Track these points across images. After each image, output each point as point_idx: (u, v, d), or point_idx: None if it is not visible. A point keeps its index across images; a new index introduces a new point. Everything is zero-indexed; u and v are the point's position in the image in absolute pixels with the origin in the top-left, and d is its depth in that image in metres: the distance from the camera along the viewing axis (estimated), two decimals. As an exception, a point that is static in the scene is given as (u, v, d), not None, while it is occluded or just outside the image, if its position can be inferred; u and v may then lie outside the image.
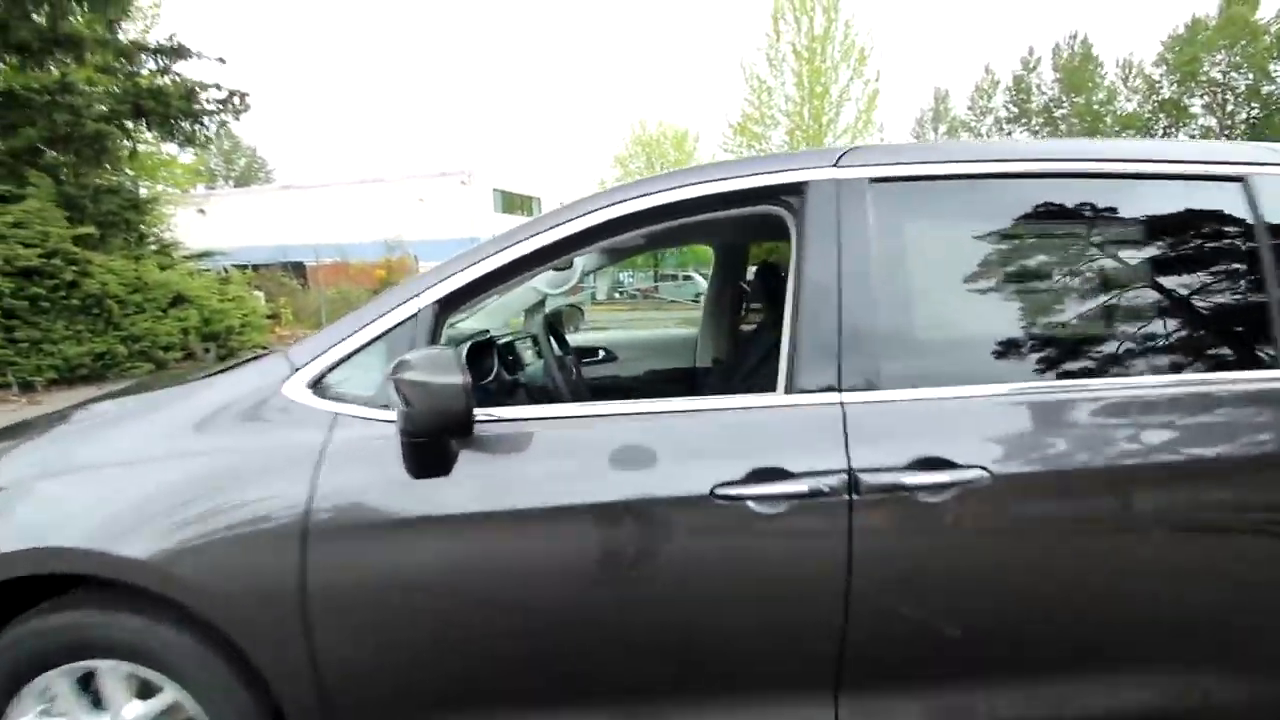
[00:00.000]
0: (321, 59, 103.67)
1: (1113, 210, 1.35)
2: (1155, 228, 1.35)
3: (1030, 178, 1.35)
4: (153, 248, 10.82)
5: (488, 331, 2.03)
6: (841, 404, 1.22)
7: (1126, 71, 38.39)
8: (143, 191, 11.91)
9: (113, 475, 1.24)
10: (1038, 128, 39.73)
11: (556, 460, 1.23)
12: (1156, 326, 1.34)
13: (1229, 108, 34.18)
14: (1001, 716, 1.25)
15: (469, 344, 1.88)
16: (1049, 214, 1.36)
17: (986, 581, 1.22)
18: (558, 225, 1.31)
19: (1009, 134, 38.94)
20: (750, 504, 1.16)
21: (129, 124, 9.81)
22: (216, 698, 1.20)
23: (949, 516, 1.17)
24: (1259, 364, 1.27)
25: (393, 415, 1.10)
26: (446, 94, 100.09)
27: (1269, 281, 1.26)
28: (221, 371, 1.50)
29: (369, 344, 1.26)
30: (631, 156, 27.31)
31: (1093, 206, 1.35)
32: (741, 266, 2.99)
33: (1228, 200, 1.31)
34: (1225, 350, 1.33)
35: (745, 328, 3.15)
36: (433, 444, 1.11)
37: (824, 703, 1.23)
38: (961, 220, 1.38)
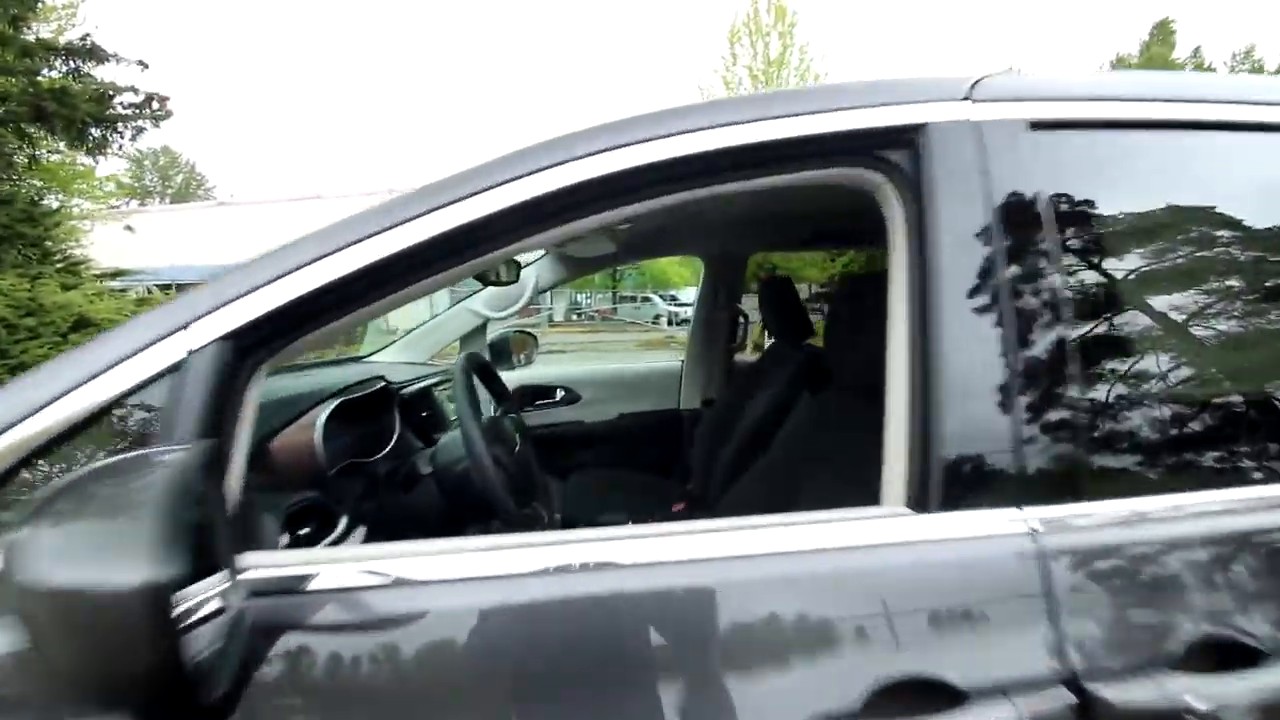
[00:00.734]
0: (267, 72, 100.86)
1: None
2: None
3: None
4: (58, 266, 9.74)
5: (382, 379, 1.37)
6: (1032, 532, 0.63)
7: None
8: (54, 204, 10.83)
9: None
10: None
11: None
12: None
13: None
14: None
15: (333, 403, 1.13)
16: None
17: None
18: (469, 196, 0.70)
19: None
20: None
21: (27, 128, 8.80)
22: None
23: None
24: None
25: None
26: (395, 110, 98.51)
27: None
28: None
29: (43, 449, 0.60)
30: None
31: None
32: (739, 281, 2.41)
33: None
34: None
35: (742, 358, 2.58)
36: None
37: None
38: (1207, 192, 0.82)
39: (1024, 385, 0.68)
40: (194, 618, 0.52)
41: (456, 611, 0.59)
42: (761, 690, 0.58)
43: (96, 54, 9.27)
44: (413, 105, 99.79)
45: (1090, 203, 0.76)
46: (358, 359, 2.04)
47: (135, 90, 9.38)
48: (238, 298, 0.64)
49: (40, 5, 9.32)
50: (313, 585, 0.58)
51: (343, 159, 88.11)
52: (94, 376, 0.60)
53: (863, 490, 0.73)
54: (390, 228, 0.68)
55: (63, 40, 9.65)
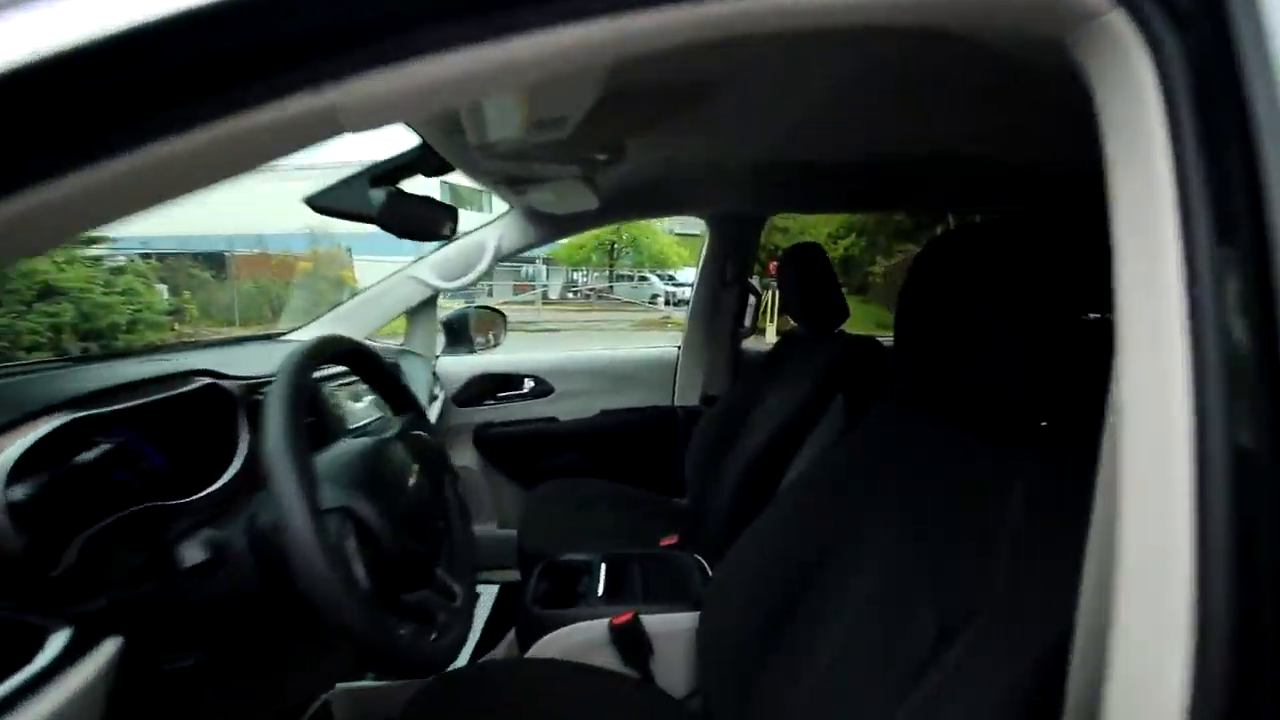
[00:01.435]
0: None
1: None
2: None
3: None
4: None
5: (208, 375, 0.88)
6: None
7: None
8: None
9: None
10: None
11: None
12: None
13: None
14: None
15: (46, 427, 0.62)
16: None
17: None
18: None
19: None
20: None
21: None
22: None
23: None
24: None
25: None
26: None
27: None
28: None
29: None
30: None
31: None
32: (751, 250, 1.97)
33: None
34: None
35: (752, 348, 2.14)
36: None
37: None
38: None
39: None
40: None
41: None
42: None
43: None
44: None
45: None
46: (266, 337, 1.61)
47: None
48: None
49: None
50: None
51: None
52: None
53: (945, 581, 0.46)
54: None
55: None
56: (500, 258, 1.73)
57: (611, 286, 19.10)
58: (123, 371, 0.76)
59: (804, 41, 0.64)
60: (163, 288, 11.60)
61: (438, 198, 1.09)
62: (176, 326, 10.97)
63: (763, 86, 0.89)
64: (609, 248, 18.52)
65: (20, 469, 0.58)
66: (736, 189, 1.62)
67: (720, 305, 2.00)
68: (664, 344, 2.18)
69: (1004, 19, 0.40)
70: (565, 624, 1.08)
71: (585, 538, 1.49)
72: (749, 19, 0.35)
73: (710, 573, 1.23)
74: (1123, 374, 0.36)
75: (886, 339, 1.32)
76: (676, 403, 2.06)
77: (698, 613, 1.06)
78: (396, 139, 1.06)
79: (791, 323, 1.74)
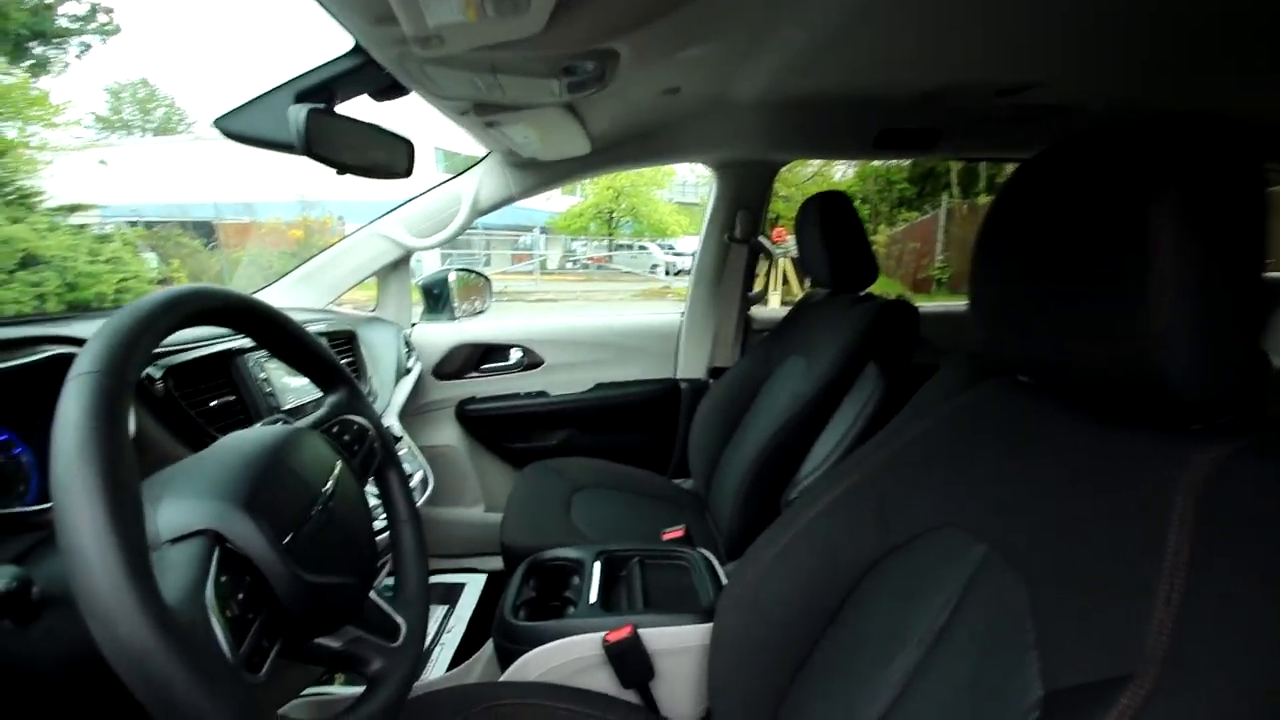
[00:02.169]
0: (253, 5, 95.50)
1: None
2: None
3: None
4: (9, 198, 9.02)
5: (48, 342, 0.69)
6: None
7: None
8: (11, 133, 10.00)
9: None
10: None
11: None
12: None
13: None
14: None
15: None
16: None
17: None
18: None
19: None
20: None
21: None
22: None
23: None
24: None
25: None
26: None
27: None
28: None
29: None
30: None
31: None
32: (763, 202, 1.75)
33: None
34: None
35: (761, 314, 1.93)
36: None
37: None
38: None
39: None
40: None
41: None
42: None
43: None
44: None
45: None
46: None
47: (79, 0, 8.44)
48: None
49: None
50: None
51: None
52: None
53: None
54: None
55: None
56: (479, 211, 1.51)
57: (610, 256, 18.72)
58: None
59: None
60: (151, 256, 11.31)
61: (433, 161, 0.88)
62: (166, 296, 10.73)
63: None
64: (608, 216, 18.10)
65: None
66: (748, 129, 1.40)
67: (728, 266, 1.79)
68: (665, 311, 1.98)
69: None
70: (551, 639, 0.90)
71: (577, 529, 1.32)
72: None
73: (721, 573, 1.06)
74: None
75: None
76: (679, 375, 1.87)
77: (708, 625, 0.89)
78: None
79: (794, 292, 1.54)
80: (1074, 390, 0.55)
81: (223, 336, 0.94)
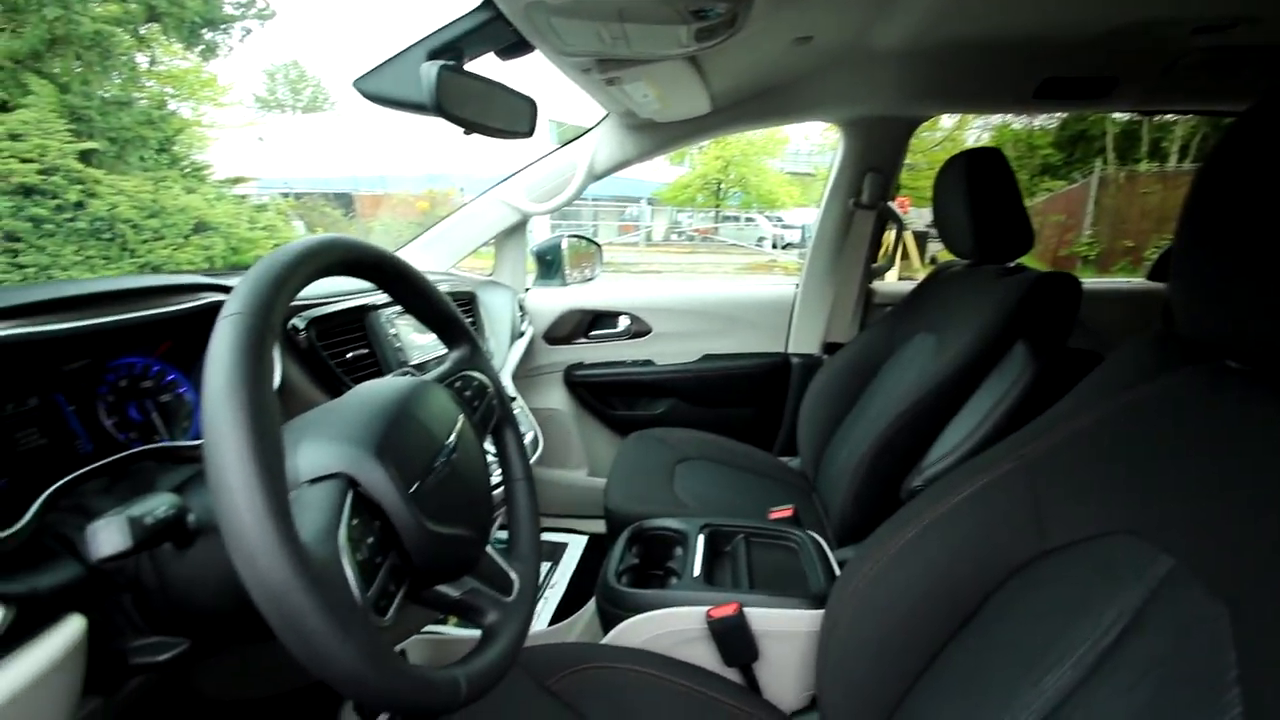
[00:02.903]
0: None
1: None
2: None
3: None
4: (184, 171, 10.27)
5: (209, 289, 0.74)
6: None
7: None
8: (186, 113, 11.34)
9: None
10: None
11: None
12: None
13: None
14: None
15: None
16: None
17: None
18: None
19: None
20: None
21: (141, 29, 8.99)
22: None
23: None
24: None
25: None
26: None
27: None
28: None
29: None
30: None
31: None
32: (895, 165, 1.61)
33: None
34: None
35: (883, 288, 1.80)
36: None
37: None
38: None
39: None
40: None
41: None
42: None
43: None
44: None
45: None
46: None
47: (240, -12, 9.29)
48: None
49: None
50: None
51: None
52: None
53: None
54: None
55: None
56: (595, 175, 1.50)
57: (717, 228, 18.40)
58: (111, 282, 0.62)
59: None
60: (300, 224, 12.51)
61: (549, 135, 0.88)
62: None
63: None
64: (715, 187, 17.75)
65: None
66: (886, 81, 1.27)
67: (851, 234, 1.67)
68: (779, 283, 1.90)
69: None
70: (654, 607, 0.89)
71: (680, 500, 1.30)
72: None
73: (832, 559, 1.00)
74: None
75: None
76: (791, 349, 1.79)
77: (818, 612, 0.84)
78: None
79: (914, 268, 1.40)
80: None
81: (359, 292, 1.00)
